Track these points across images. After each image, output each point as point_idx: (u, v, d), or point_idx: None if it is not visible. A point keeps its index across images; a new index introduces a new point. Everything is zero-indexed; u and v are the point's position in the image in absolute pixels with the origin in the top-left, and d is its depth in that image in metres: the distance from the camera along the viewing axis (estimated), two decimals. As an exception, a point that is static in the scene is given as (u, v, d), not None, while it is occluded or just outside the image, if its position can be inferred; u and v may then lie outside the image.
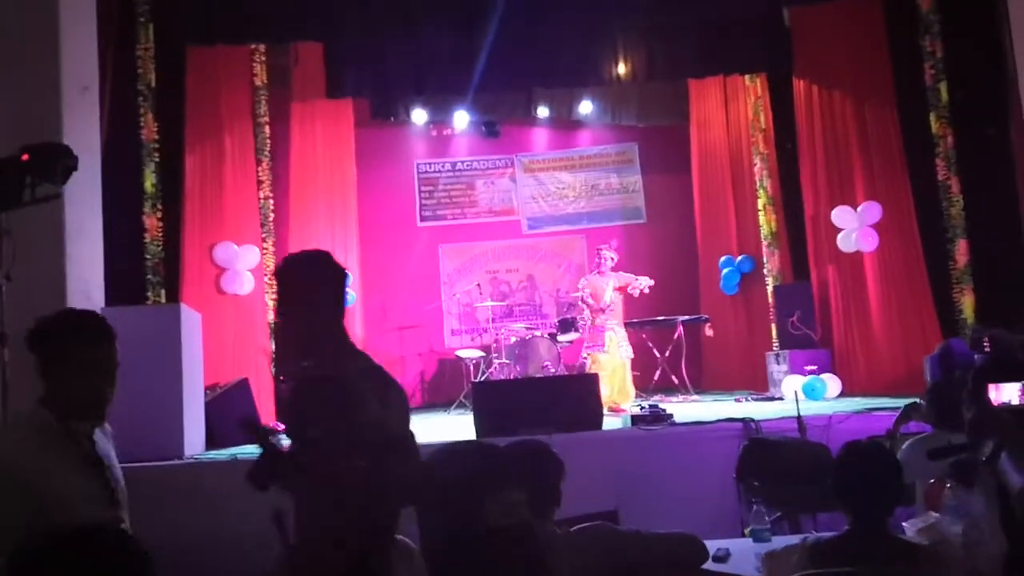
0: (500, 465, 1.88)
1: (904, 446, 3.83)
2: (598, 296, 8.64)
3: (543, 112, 11.36)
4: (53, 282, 5.86)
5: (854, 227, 8.38)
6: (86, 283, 6.22)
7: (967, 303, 7.89)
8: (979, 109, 7.88)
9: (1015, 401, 2.17)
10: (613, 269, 8.80)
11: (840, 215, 8.46)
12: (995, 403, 2.20)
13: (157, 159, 7.75)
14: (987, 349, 5.27)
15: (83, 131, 6.25)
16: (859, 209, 8.39)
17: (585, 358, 8.84)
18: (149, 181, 7.70)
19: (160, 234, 7.76)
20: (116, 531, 1.66)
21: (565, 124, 11.97)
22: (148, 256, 7.65)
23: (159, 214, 7.76)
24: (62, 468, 2.43)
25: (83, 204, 6.21)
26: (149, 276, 7.64)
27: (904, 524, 3.15)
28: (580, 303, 8.90)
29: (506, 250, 12.04)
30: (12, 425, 2.54)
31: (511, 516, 1.77)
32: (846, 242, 8.43)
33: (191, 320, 6.66)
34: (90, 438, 2.60)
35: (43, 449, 2.42)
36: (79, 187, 5.83)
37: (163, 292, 7.70)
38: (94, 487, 2.52)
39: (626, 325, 9.03)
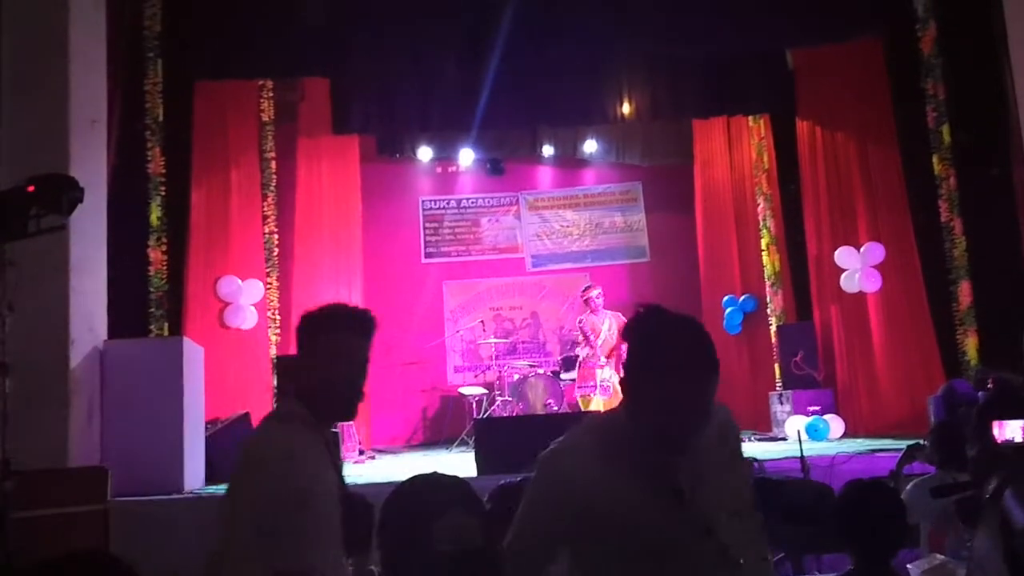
0: (452, 492, 1.89)
1: (908, 487, 3.79)
2: (596, 333, 8.56)
3: (548, 150, 11.43)
4: (56, 313, 5.88)
5: (857, 268, 8.38)
6: (89, 315, 6.24)
7: (970, 344, 7.86)
8: (981, 151, 7.92)
9: (1019, 438, 2.15)
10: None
11: (843, 256, 8.47)
12: (999, 440, 2.18)
13: (163, 193, 7.82)
14: (991, 389, 5.23)
15: (90, 164, 6.31)
16: (862, 250, 8.39)
17: (577, 400, 8.80)
18: (155, 214, 7.75)
19: (164, 267, 7.80)
20: (106, 555, 1.65)
21: (570, 162, 12.02)
22: (152, 289, 7.68)
23: (164, 247, 7.81)
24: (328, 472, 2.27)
25: (88, 236, 6.24)
26: (152, 309, 7.66)
27: (909, 566, 3.10)
28: (580, 337, 8.81)
29: (510, 287, 12.04)
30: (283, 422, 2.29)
31: (460, 541, 1.77)
32: (849, 282, 8.43)
33: (193, 353, 6.66)
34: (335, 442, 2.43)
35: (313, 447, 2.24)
36: (84, 219, 5.87)
37: (166, 325, 7.72)
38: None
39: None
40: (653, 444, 1.87)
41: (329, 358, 2.28)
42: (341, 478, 2.34)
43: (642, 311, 1.95)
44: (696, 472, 1.89)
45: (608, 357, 8.46)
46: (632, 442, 1.89)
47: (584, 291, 8.91)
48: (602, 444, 1.94)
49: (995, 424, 2.17)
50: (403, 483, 1.96)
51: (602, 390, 8.35)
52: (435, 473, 1.99)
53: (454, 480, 1.95)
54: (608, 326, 8.50)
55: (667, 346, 1.87)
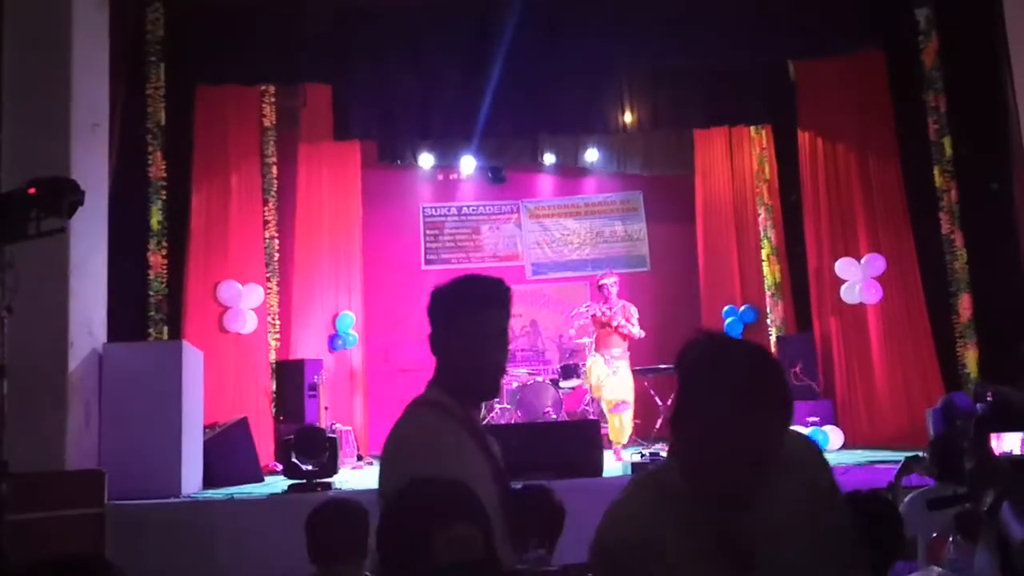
0: (452, 499, 1.85)
1: (906, 500, 3.78)
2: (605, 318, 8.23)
3: (549, 159, 11.43)
4: (55, 316, 5.88)
5: (857, 279, 8.38)
6: (88, 318, 6.24)
7: (970, 357, 7.85)
8: (983, 163, 7.92)
9: (1016, 451, 2.15)
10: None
11: (843, 267, 8.46)
12: (997, 452, 2.18)
13: (164, 196, 7.81)
14: (991, 403, 5.23)
15: (91, 167, 6.33)
16: (862, 261, 8.39)
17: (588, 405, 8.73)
18: (155, 218, 7.75)
19: (164, 271, 7.79)
20: (99, 559, 1.64)
21: (571, 171, 12.02)
22: (151, 293, 7.67)
23: (164, 251, 7.80)
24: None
25: (88, 239, 6.26)
26: (152, 313, 7.65)
27: (906, 578, 3.09)
28: (590, 319, 8.49)
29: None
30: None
31: (459, 552, 1.73)
32: (849, 294, 8.42)
33: (192, 358, 6.65)
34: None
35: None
36: (85, 222, 5.88)
37: (165, 329, 7.71)
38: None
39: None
40: (709, 501, 1.60)
41: (470, 337, 2.11)
42: (496, 464, 2.14)
43: (695, 337, 1.66)
44: (770, 529, 1.60)
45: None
46: (687, 501, 1.61)
47: (601, 276, 8.58)
48: (656, 505, 1.65)
49: (993, 437, 2.17)
50: (403, 487, 1.92)
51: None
52: (434, 477, 1.94)
53: (454, 485, 1.91)
54: (621, 313, 8.24)
55: (720, 378, 1.56)
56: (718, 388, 1.55)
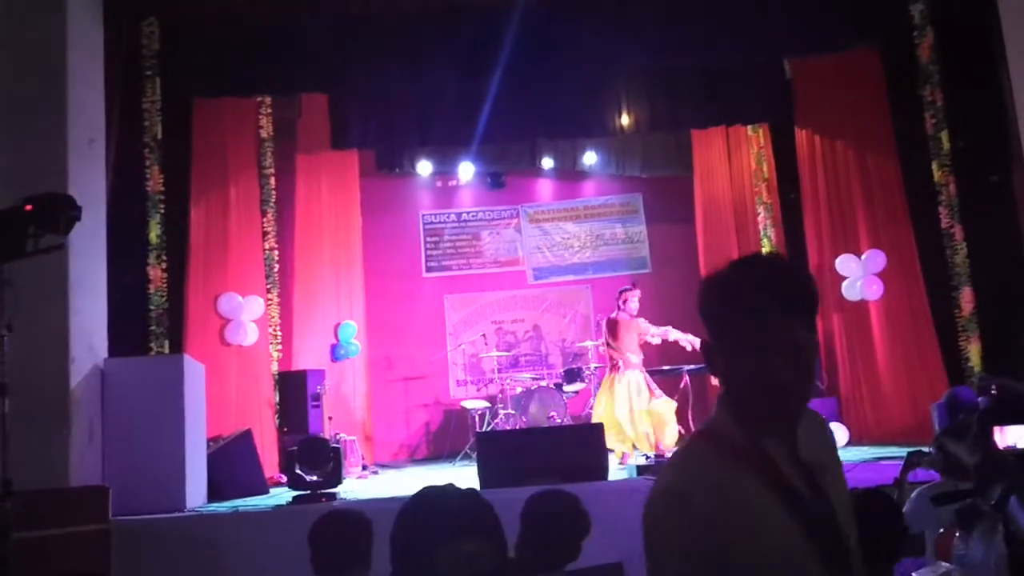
0: (465, 513, 1.82)
1: (912, 495, 3.76)
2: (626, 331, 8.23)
3: (548, 163, 11.44)
4: (55, 333, 5.87)
5: (859, 276, 8.37)
6: (89, 334, 6.23)
7: (973, 351, 7.83)
8: (981, 157, 7.91)
9: (1021, 444, 2.13)
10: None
11: (844, 264, 8.45)
12: (1000, 446, 2.17)
13: (162, 210, 7.81)
14: (994, 396, 5.20)
15: (89, 182, 6.33)
16: (863, 257, 8.38)
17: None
18: (154, 232, 7.74)
19: (164, 285, 7.78)
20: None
21: (570, 175, 12.03)
22: (152, 307, 7.66)
23: (163, 265, 7.79)
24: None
25: (87, 255, 6.25)
26: (152, 327, 7.64)
27: (914, 575, 3.07)
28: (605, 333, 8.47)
29: (512, 300, 12.03)
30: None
31: (466, 567, 1.72)
32: (851, 291, 8.41)
33: (194, 371, 6.65)
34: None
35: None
36: (83, 238, 5.88)
37: (166, 343, 7.70)
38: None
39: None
40: (758, 420, 1.47)
41: (746, 345, 1.50)
42: (797, 502, 1.47)
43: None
44: (814, 462, 1.50)
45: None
46: (745, 449, 1.47)
47: (622, 293, 8.44)
48: (718, 462, 1.48)
49: (997, 430, 2.15)
50: (415, 495, 1.90)
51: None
52: (448, 486, 1.91)
53: (466, 494, 1.89)
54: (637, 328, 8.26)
55: (740, 284, 1.48)
56: (731, 298, 1.48)
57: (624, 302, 8.33)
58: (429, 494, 1.88)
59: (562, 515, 2.96)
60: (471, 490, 1.89)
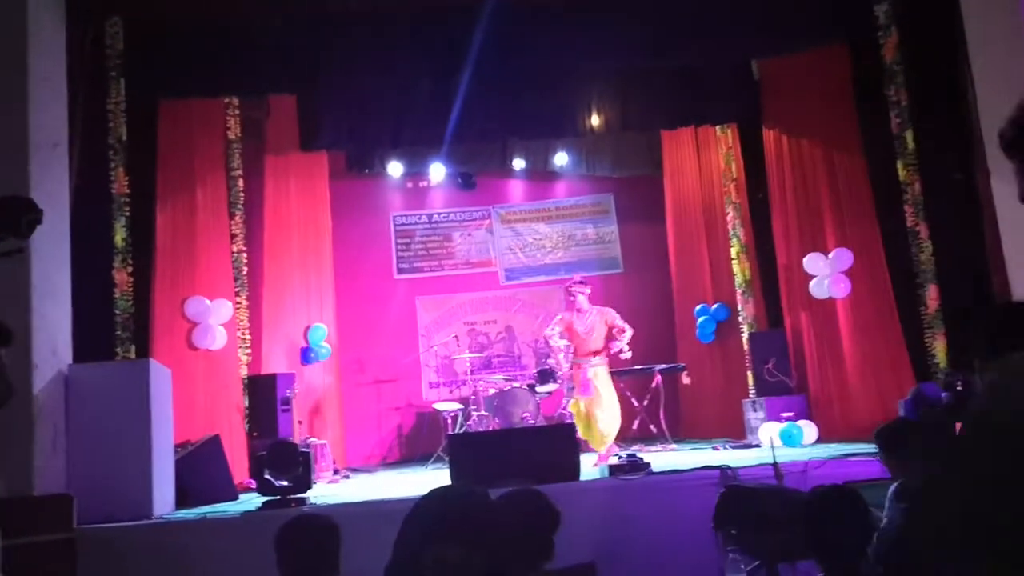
0: (460, 516, 1.81)
1: (888, 495, 3.78)
2: (574, 332, 8.23)
3: (519, 163, 11.45)
4: (18, 338, 5.73)
5: (826, 274, 8.43)
6: (53, 339, 6.13)
7: (939, 347, 7.91)
8: (945, 156, 7.99)
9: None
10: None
11: (812, 262, 8.52)
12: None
13: (128, 213, 7.68)
14: (960, 391, 5.27)
15: (52, 186, 6.23)
16: (830, 256, 8.44)
17: (565, 409, 8.68)
18: (119, 235, 7.62)
19: (130, 289, 7.65)
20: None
21: (541, 175, 12.06)
22: (117, 311, 7.53)
23: (129, 268, 7.66)
24: None
25: (51, 259, 6.15)
26: (118, 331, 7.51)
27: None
28: (549, 345, 8.50)
29: (484, 301, 12.02)
30: None
31: (450, 573, 1.70)
32: (818, 289, 8.47)
33: (161, 376, 6.56)
34: None
35: None
36: (46, 242, 5.79)
37: (133, 348, 7.58)
38: None
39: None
40: None
41: None
42: None
43: None
44: None
45: (596, 354, 8.20)
46: None
47: (570, 286, 8.46)
48: None
49: (960, 426, 2.17)
50: (422, 497, 1.88)
51: (582, 389, 8.08)
52: (451, 487, 1.88)
53: (469, 497, 1.86)
54: (595, 322, 8.20)
55: None
56: None
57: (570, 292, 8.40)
58: (434, 495, 1.87)
59: (531, 513, 2.95)
60: (473, 491, 1.87)
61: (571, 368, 8.40)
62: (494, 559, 1.82)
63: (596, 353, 8.18)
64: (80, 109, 7.11)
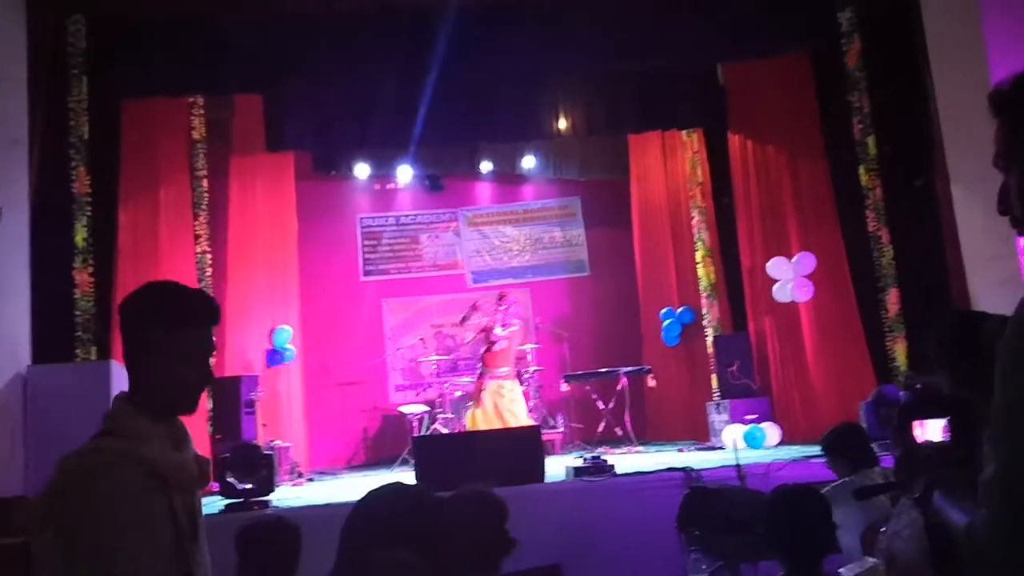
0: (405, 518, 1.81)
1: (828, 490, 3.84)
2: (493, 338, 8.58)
3: (486, 166, 11.45)
4: (-25, 339, 5.67)
5: (789, 278, 8.52)
6: (12, 340, 6.05)
7: (900, 351, 8.04)
8: (906, 162, 8.13)
9: (939, 438, 2.18)
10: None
11: (776, 266, 8.60)
12: (919, 440, 2.21)
13: (89, 213, 7.56)
14: (917, 392, 5.35)
15: (11, 185, 6.15)
16: (793, 260, 8.54)
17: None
18: (80, 235, 7.50)
19: (91, 289, 7.53)
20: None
21: (509, 178, 12.06)
22: (78, 312, 7.41)
23: (91, 269, 7.54)
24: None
25: (9, 259, 6.07)
26: (79, 332, 7.39)
27: (840, 570, 3.13)
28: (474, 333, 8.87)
29: (451, 304, 11.98)
30: None
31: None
32: (782, 292, 8.56)
33: (122, 378, 6.42)
34: None
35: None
36: (5, 241, 5.71)
37: (94, 349, 7.45)
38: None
39: (567, 378, 8.99)
40: None
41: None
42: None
43: None
44: None
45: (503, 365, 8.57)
46: None
47: (502, 299, 8.88)
48: None
49: (916, 424, 2.20)
50: (363, 497, 1.87)
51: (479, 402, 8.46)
52: (396, 485, 1.88)
53: (413, 496, 1.86)
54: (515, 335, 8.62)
55: None
56: None
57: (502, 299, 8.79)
58: (378, 493, 1.86)
59: (476, 507, 2.93)
60: (417, 489, 1.87)
61: (477, 378, 8.64)
62: (446, 557, 1.82)
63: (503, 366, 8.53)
64: (41, 107, 7.00)
